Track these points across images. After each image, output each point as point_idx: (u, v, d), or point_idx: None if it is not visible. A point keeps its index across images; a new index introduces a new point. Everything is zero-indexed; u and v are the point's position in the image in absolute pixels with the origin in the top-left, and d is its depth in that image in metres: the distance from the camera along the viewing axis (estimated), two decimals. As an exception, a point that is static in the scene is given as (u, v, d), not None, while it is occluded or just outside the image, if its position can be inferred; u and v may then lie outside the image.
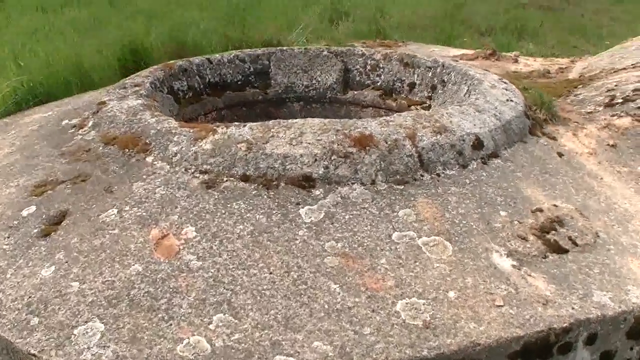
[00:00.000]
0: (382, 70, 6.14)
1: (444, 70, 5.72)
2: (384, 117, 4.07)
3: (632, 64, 6.83)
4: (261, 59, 6.19)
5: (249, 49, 6.23)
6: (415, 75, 5.96)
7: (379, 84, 6.16)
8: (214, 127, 3.95)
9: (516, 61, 8.22)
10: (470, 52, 8.90)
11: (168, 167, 3.77)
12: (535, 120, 4.60)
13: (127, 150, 4.04)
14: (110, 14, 12.94)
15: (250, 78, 6.15)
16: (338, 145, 3.70)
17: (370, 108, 6.11)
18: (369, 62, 6.20)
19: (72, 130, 4.58)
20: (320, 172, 3.59)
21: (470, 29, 15.08)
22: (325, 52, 6.26)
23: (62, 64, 6.91)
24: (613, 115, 5.02)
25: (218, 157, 3.70)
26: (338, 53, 6.27)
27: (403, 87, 6.04)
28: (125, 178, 3.80)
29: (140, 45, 7.35)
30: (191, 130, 3.94)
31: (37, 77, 6.37)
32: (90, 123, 4.49)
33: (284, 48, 6.29)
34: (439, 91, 5.72)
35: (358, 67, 6.23)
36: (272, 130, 3.87)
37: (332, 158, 3.63)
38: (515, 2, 19.60)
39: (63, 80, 6.47)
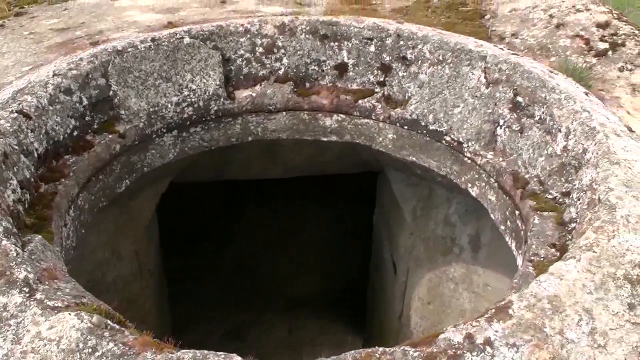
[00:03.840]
0: (282, 50, 4.12)
1: (401, 42, 3.99)
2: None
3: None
4: (93, 78, 3.63)
5: (65, 63, 3.62)
6: (345, 52, 4.11)
7: (281, 72, 4.14)
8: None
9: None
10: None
11: None
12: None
13: None
14: None
15: (86, 118, 3.64)
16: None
17: (284, 113, 4.12)
18: (258, 41, 4.07)
19: None
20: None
21: None
22: (187, 40, 3.91)
23: None
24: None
25: None
26: (206, 36, 3.96)
27: (324, 71, 4.14)
28: None
29: None
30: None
31: None
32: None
33: (118, 46, 3.77)
34: (401, 74, 4.01)
35: (242, 52, 4.09)
36: None
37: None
38: None
39: None
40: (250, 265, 8.27)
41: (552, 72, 3.77)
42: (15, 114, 3.29)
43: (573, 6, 4.99)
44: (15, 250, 2.56)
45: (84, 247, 4.19)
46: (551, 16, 4.90)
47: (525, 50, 4.57)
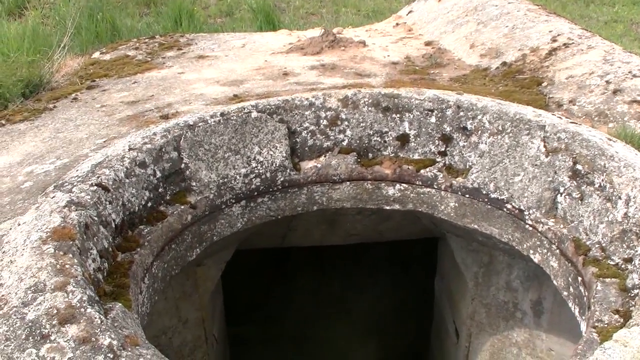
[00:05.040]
0: (346, 122, 4.37)
1: (461, 113, 4.21)
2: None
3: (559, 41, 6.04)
4: (166, 152, 3.92)
5: (140, 137, 3.91)
6: (406, 124, 4.33)
7: (345, 143, 4.38)
8: None
9: (364, 44, 6.82)
10: (293, 39, 7.25)
11: None
12: None
13: None
14: None
15: (160, 190, 3.92)
16: None
17: (348, 183, 4.35)
18: (322, 114, 4.34)
19: None
20: None
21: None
22: (254, 114, 4.19)
23: None
24: None
25: None
26: (272, 110, 4.24)
27: (386, 142, 4.37)
28: None
29: None
30: None
31: None
32: None
33: (189, 120, 4.07)
34: (462, 144, 4.21)
35: (307, 124, 4.34)
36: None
37: None
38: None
39: None
40: (306, 333, 8.38)
41: (610, 139, 3.92)
42: (95, 187, 3.55)
43: (629, 72, 5.12)
44: (99, 317, 2.77)
45: (152, 312, 4.41)
46: (608, 82, 5.04)
47: (583, 117, 4.71)
